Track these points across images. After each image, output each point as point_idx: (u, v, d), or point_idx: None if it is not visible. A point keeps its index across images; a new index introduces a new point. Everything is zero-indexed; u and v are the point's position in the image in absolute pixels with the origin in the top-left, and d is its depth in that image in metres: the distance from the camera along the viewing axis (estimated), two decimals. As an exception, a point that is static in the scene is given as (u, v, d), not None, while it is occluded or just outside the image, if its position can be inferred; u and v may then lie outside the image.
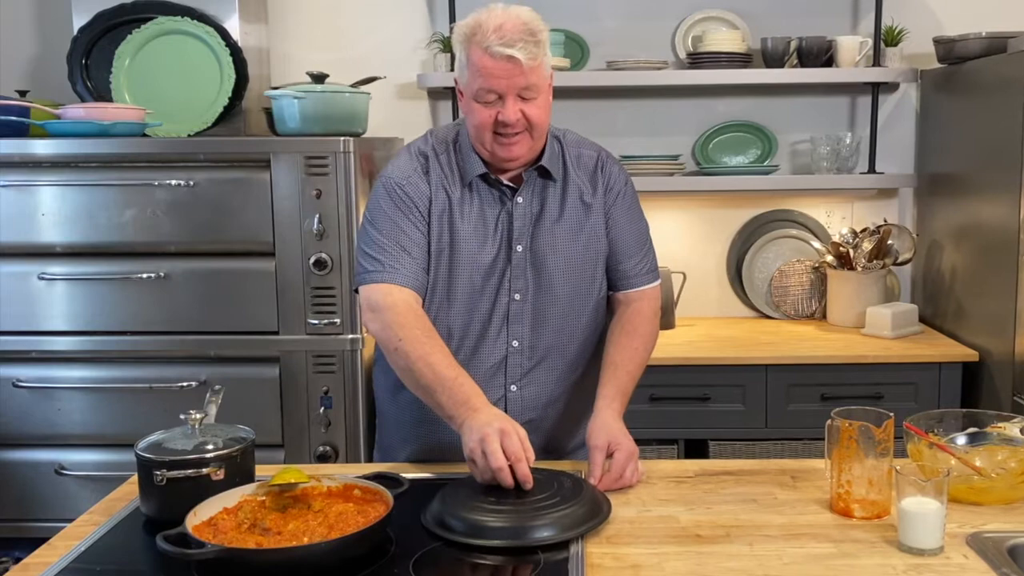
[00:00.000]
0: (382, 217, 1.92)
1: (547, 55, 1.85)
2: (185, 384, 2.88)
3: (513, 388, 1.96)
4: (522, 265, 1.94)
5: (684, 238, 3.66)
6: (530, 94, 1.83)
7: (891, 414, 1.65)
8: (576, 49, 3.53)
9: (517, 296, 1.94)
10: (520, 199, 1.95)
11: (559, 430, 2.03)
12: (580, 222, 1.97)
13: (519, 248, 1.94)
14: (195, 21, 3.08)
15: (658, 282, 2.09)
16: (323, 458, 2.90)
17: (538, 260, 1.94)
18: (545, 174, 1.96)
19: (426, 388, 1.79)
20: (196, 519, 1.49)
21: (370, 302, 1.89)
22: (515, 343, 1.95)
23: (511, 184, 1.95)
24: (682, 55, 3.53)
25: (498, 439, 1.64)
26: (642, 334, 2.02)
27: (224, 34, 3.09)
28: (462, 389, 1.76)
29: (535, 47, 1.79)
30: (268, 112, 3.16)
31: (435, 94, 3.59)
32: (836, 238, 3.46)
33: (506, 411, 1.90)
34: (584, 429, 1.95)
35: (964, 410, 1.89)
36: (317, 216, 2.81)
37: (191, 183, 2.84)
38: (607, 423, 1.84)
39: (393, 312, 1.85)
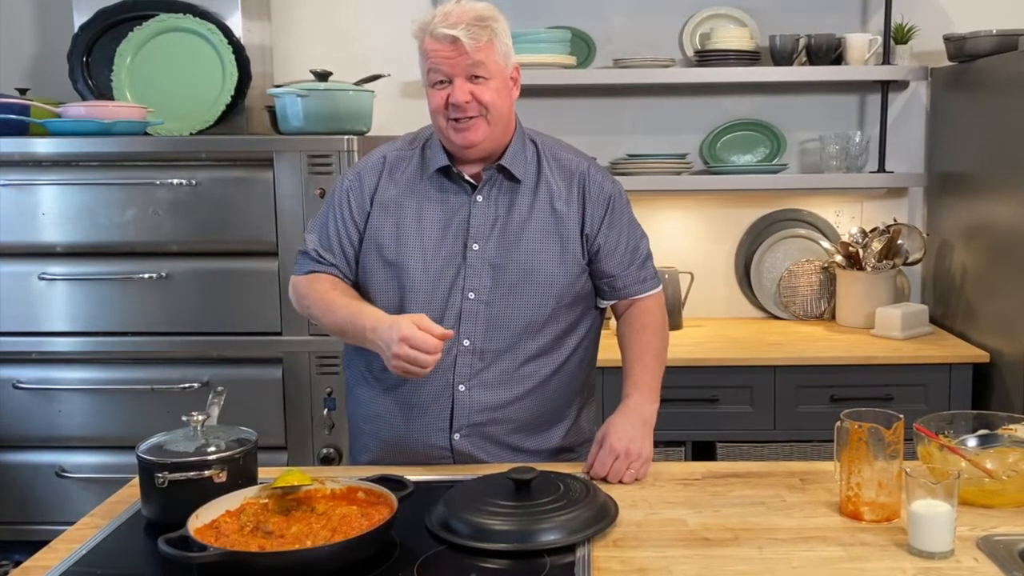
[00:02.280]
0: (323, 210, 2.03)
1: (504, 44, 1.87)
2: (187, 385, 2.87)
3: (461, 388, 1.92)
4: (479, 265, 1.92)
5: (691, 238, 3.64)
6: (479, 73, 1.83)
7: (901, 416, 1.64)
8: (583, 47, 3.51)
9: (471, 295, 1.92)
10: (480, 198, 1.94)
11: (514, 437, 1.97)
12: (548, 228, 1.94)
13: (475, 247, 1.92)
14: (197, 18, 3.07)
15: (659, 288, 2.08)
16: (326, 460, 2.89)
17: (499, 261, 1.92)
18: (508, 175, 1.94)
19: (341, 331, 1.90)
20: (198, 522, 1.49)
21: (295, 290, 2.02)
22: (466, 342, 1.92)
23: (473, 181, 1.95)
24: (690, 53, 3.51)
25: (406, 348, 1.69)
26: (652, 327, 2.02)
27: (227, 31, 3.08)
28: (359, 319, 1.81)
29: (480, 31, 1.82)
30: (271, 110, 3.15)
31: (439, 93, 3.57)
32: (845, 238, 3.44)
33: (452, 411, 1.93)
34: (547, 438, 2.00)
35: (975, 412, 1.89)
36: (320, 215, 2.79)
37: (193, 182, 2.82)
38: (612, 419, 1.90)
39: (299, 286, 2.01)
